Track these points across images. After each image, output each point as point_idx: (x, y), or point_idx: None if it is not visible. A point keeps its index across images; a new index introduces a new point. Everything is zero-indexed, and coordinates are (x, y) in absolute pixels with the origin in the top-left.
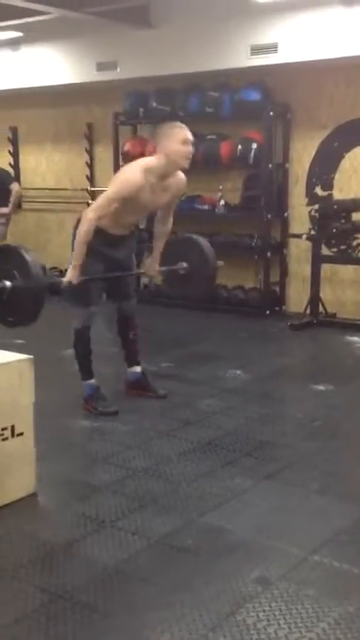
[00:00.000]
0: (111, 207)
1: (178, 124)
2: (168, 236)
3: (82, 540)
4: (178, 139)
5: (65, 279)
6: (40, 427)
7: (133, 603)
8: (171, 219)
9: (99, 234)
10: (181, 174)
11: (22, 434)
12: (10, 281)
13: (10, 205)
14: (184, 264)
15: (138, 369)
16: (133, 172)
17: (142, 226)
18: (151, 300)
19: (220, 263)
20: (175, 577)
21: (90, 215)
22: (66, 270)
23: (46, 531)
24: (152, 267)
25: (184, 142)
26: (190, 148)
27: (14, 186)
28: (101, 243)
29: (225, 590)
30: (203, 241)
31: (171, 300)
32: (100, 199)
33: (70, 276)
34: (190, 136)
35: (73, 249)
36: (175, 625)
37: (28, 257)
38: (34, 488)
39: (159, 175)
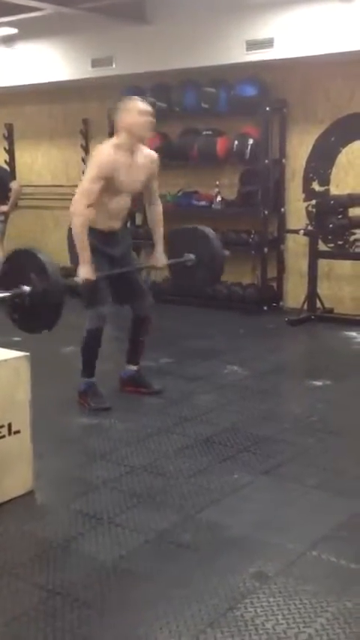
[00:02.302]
0: (95, 190)
1: (134, 97)
2: (162, 220)
3: (79, 537)
4: (135, 111)
5: (80, 278)
6: (37, 425)
7: (131, 599)
8: (158, 200)
9: (90, 233)
10: (150, 151)
11: (18, 432)
12: (29, 285)
13: (10, 203)
14: (192, 256)
15: (134, 367)
16: (105, 150)
17: (138, 222)
18: None
19: (227, 252)
20: (173, 573)
21: (79, 205)
22: (64, 268)
23: (43, 529)
24: (160, 259)
25: (141, 112)
26: (148, 118)
27: (14, 184)
28: (99, 241)
29: (223, 586)
30: (210, 232)
31: (172, 295)
32: (83, 185)
33: (84, 272)
34: (146, 106)
35: (72, 250)
36: (173, 621)
37: (45, 260)
38: (31, 485)
39: (127, 151)
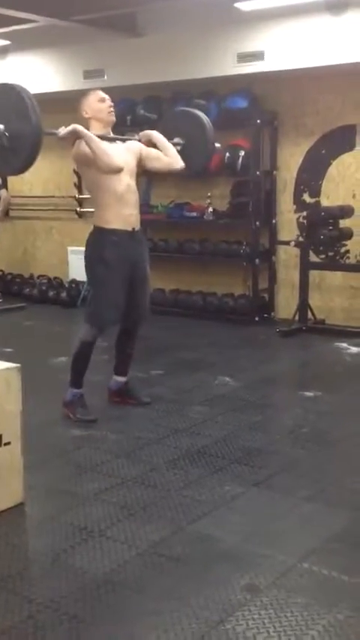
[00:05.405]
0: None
1: (90, 90)
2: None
3: (70, 550)
4: (94, 99)
5: (64, 131)
6: (28, 436)
7: (122, 613)
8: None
9: (104, 237)
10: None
11: (9, 443)
12: (5, 124)
13: None
14: (181, 140)
15: (122, 378)
16: (78, 143)
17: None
18: None
19: (218, 145)
20: (164, 586)
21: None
22: (55, 279)
23: (33, 541)
24: (150, 132)
25: (100, 99)
26: (108, 103)
27: (3, 193)
28: (113, 250)
29: (214, 599)
30: (203, 116)
31: (163, 306)
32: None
33: (72, 129)
34: (102, 93)
35: (87, 266)
36: (163, 634)
37: (28, 101)
38: (21, 498)
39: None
